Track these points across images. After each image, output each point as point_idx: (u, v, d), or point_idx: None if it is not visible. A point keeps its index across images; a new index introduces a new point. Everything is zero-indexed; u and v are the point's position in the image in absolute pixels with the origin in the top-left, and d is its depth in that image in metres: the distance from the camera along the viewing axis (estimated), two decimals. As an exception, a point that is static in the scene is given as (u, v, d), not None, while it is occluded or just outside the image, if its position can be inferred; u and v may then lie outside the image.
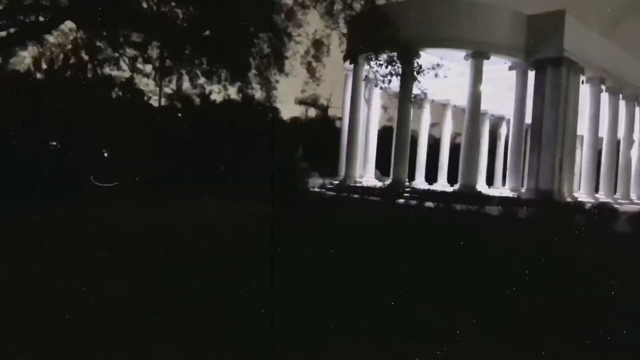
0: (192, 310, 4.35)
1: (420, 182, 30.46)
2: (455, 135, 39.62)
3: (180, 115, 28.27)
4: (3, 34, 12.39)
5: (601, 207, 14.50)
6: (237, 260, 6.37)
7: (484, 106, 26.67)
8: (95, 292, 4.68)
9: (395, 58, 13.33)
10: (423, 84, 14.75)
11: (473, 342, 4.01)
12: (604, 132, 28.61)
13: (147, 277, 5.33)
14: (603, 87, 27.57)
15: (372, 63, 13.85)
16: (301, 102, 42.80)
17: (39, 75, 20.26)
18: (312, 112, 45.76)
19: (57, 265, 5.67)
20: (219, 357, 3.43)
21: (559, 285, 5.96)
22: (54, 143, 19.06)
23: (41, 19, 12.84)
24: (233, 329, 3.89)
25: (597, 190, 29.00)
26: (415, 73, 13.83)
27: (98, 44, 15.39)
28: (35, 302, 4.38)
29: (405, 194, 19.62)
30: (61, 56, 17.94)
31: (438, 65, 14.25)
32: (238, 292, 4.79)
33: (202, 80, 14.96)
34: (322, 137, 36.43)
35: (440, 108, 35.18)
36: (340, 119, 32.97)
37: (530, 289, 5.64)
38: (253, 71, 14.24)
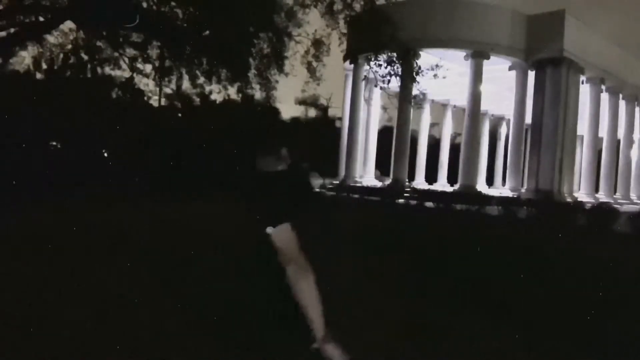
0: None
1: (420, 182, 30.47)
2: (455, 135, 39.63)
3: (180, 115, 28.28)
4: (3, 34, 12.39)
5: (601, 207, 14.49)
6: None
7: (484, 106, 26.68)
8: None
9: (394, 58, 13.31)
10: (423, 84, 14.74)
11: (473, 342, 4.01)
12: (604, 132, 28.62)
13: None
14: (603, 87, 27.59)
15: (372, 63, 13.83)
16: (301, 102, 42.86)
17: (39, 75, 20.26)
18: (312, 112, 45.81)
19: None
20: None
21: (558, 285, 5.96)
22: (54, 143, 19.07)
23: (41, 19, 12.84)
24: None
25: (597, 190, 29.02)
26: (414, 74, 13.81)
27: (98, 44, 15.42)
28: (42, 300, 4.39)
29: (405, 194, 19.63)
30: (61, 56, 17.93)
31: (437, 65, 14.24)
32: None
33: (202, 80, 14.98)
34: (322, 137, 36.43)
35: (440, 108, 35.20)
36: (340, 119, 32.98)
37: (530, 288, 5.64)
38: (253, 71, 14.24)
